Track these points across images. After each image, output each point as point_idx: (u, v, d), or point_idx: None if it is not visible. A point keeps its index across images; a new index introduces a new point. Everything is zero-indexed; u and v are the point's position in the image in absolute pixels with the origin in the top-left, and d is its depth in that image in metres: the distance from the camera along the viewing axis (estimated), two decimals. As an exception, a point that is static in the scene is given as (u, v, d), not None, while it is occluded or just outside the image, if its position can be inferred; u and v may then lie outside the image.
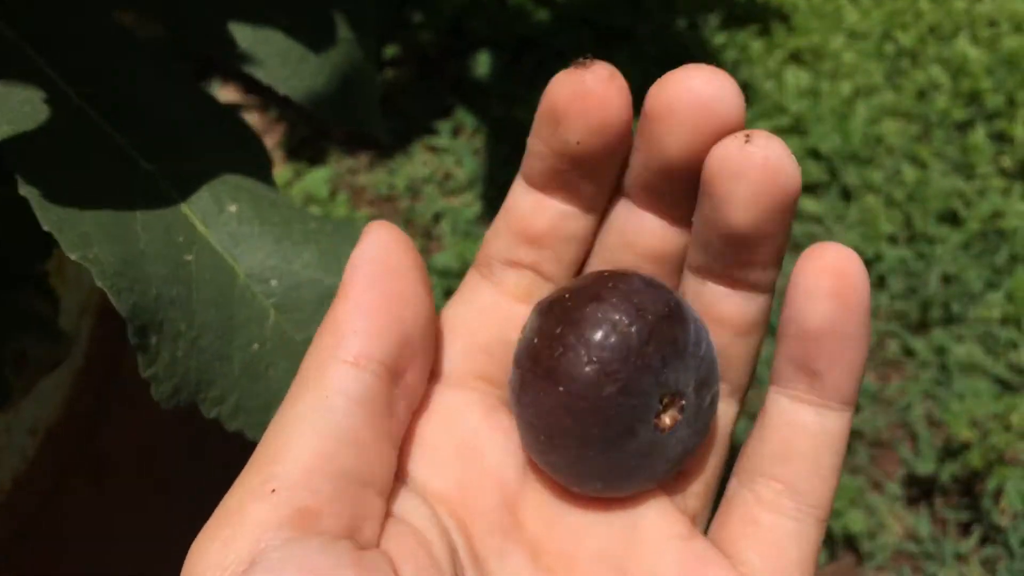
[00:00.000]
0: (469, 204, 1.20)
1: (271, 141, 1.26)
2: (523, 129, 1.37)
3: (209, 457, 0.81)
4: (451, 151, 1.25)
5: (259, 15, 0.41)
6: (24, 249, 0.46)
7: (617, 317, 0.24)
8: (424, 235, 1.17)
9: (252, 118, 1.27)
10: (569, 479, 0.26)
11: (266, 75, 0.40)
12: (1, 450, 0.55)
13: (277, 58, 0.41)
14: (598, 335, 0.24)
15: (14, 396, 0.42)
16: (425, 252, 1.16)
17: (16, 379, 0.42)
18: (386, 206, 1.21)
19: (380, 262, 0.25)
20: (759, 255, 0.25)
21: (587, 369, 0.24)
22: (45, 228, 0.28)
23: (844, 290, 0.24)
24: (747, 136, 0.23)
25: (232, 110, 0.38)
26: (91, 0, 0.38)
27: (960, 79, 1.32)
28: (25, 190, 0.29)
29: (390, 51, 1.33)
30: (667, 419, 0.25)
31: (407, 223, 1.18)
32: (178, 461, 0.73)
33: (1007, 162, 1.24)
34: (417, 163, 1.24)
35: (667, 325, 0.25)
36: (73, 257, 0.27)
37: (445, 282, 1.11)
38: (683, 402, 0.25)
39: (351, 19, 0.44)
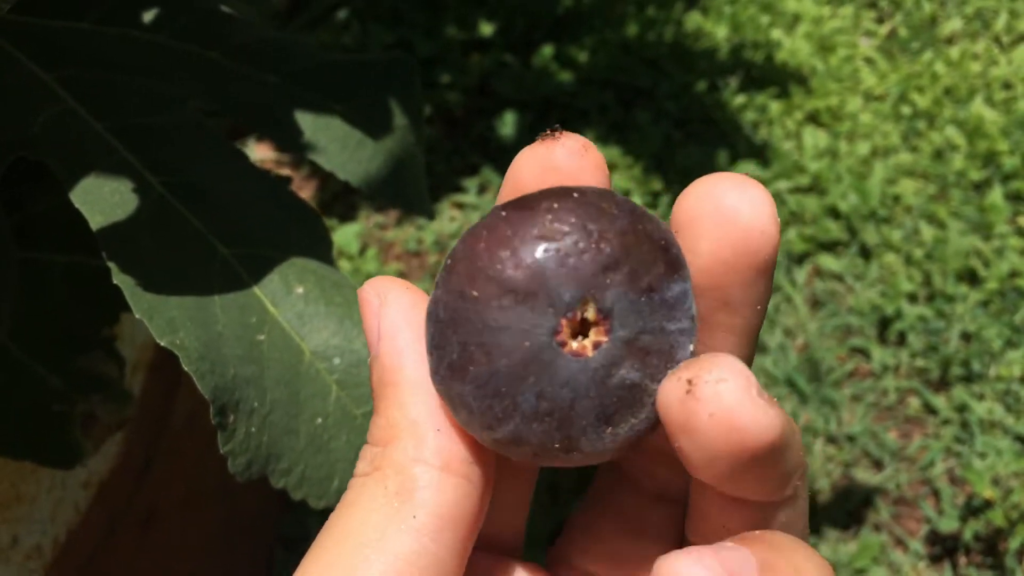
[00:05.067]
0: (495, 259, 1.23)
1: (303, 196, 1.30)
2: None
3: (246, 506, 0.83)
4: (477, 208, 1.29)
5: (320, 104, 0.45)
6: (93, 314, 0.49)
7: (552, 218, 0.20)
8: (451, 289, 1.21)
9: (284, 174, 1.31)
10: (491, 422, 0.20)
11: (327, 161, 0.43)
12: (56, 504, 0.57)
13: (336, 143, 0.44)
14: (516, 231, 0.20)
15: (84, 456, 0.45)
16: (452, 306, 1.19)
17: (86, 440, 0.45)
18: (414, 261, 1.25)
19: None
20: (752, 489, 0.20)
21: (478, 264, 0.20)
22: (137, 316, 0.31)
23: None
24: (689, 381, 0.19)
25: (295, 193, 0.42)
26: (169, 95, 0.42)
27: (976, 140, 1.35)
28: (119, 279, 0.32)
29: (419, 110, 1.38)
30: (579, 343, 0.20)
31: (434, 277, 1.22)
32: (219, 510, 0.75)
33: (1024, 222, 1.26)
34: (444, 219, 1.28)
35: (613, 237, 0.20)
36: (163, 343, 0.30)
37: (471, 336, 1.14)
38: (608, 327, 0.20)
39: (403, 105, 0.47)
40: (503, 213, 0.20)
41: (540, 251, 0.20)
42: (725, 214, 0.20)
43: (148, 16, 0.44)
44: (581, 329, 0.20)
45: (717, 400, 0.18)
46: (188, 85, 0.42)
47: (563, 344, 0.20)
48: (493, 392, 0.20)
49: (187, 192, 0.38)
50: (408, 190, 0.45)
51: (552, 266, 0.19)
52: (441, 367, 0.20)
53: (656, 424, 0.20)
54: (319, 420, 0.35)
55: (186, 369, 0.30)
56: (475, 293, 0.20)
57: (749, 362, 0.22)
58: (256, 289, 0.36)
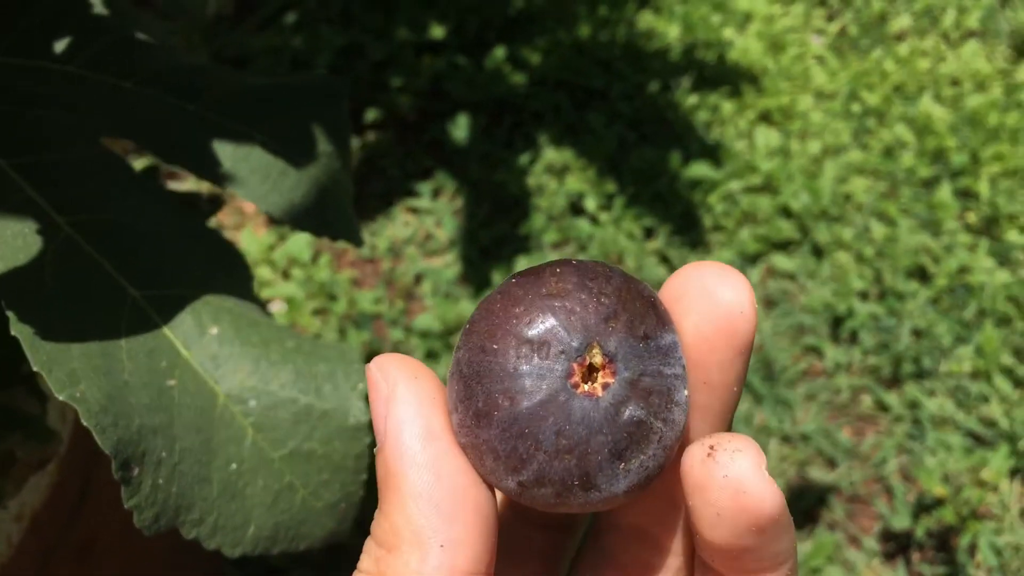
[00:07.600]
0: (450, 265, 1.22)
1: (253, 205, 1.28)
2: (501, 190, 1.39)
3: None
4: (432, 212, 1.28)
5: (241, 133, 0.43)
6: (12, 350, 0.48)
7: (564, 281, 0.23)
8: (406, 296, 1.20)
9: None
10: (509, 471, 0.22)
11: (247, 193, 0.42)
12: (-13, 539, 0.56)
13: (257, 174, 0.43)
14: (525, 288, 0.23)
15: (4, 497, 0.43)
16: (406, 314, 1.18)
17: (5, 480, 0.44)
18: (368, 267, 1.24)
19: (433, 431, 0.22)
20: (748, 566, 0.22)
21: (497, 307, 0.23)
22: (35, 369, 0.30)
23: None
24: (711, 447, 0.21)
25: (213, 228, 0.40)
26: (80, 128, 0.40)
27: (925, 137, 1.36)
28: (17, 329, 0.31)
29: (370, 115, 1.37)
30: (591, 385, 0.22)
31: (388, 284, 1.20)
32: (157, 541, 0.73)
33: (973, 218, 1.28)
34: (398, 224, 1.27)
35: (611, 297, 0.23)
36: (61, 398, 0.29)
37: (426, 343, 1.13)
38: (615, 368, 0.22)
39: (328, 131, 0.46)
40: (513, 280, 0.23)
41: (549, 307, 0.22)
42: (709, 294, 0.23)
43: (60, 46, 0.43)
44: (590, 375, 0.22)
45: (732, 465, 0.21)
46: (100, 117, 0.41)
47: (576, 386, 0.22)
48: (517, 433, 0.21)
49: (97, 232, 0.37)
50: (333, 218, 0.44)
51: (561, 317, 0.22)
52: (467, 418, 0.22)
53: (662, 466, 0.22)
54: (233, 466, 0.34)
55: (85, 424, 0.29)
56: (495, 346, 0.22)
57: None
58: (167, 330, 0.35)
